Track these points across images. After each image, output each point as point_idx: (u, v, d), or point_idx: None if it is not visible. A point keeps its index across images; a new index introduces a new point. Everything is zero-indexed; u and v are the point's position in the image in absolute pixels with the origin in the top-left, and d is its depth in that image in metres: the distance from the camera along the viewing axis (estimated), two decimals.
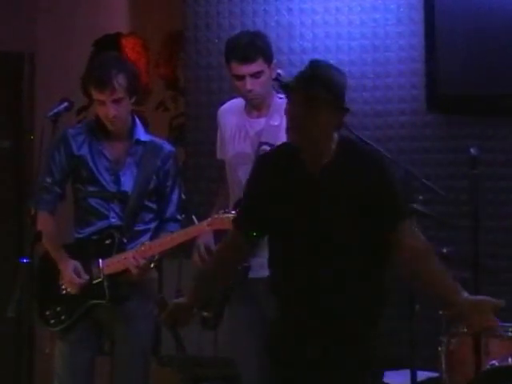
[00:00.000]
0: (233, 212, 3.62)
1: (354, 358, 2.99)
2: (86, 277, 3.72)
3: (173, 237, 3.72)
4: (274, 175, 3.06)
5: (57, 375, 3.82)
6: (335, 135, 3.04)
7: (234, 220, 3.22)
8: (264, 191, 3.06)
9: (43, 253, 3.79)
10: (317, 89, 2.95)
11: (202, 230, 3.70)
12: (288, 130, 3.00)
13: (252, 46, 3.76)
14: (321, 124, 2.97)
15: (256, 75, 3.76)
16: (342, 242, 2.96)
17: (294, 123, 2.98)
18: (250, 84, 3.75)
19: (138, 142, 3.82)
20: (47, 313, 3.78)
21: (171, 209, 3.84)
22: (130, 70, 3.82)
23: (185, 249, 4.05)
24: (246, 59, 3.74)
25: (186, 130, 5.13)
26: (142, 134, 3.84)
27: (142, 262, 3.68)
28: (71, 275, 3.72)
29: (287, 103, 3.03)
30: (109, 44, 5.35)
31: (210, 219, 3.67)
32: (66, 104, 3.64)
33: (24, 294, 3.38)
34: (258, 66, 3.75)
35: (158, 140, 3.90)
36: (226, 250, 3.20)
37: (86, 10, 5.56)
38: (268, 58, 3.79)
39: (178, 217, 3.85)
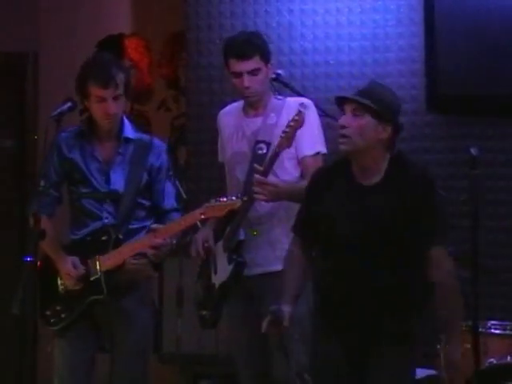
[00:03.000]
0: (224, 199, 3.65)
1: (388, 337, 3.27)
2: (83, 268, 3.74)
3: (168, 227, 3.73)
4: (329, 188, 3.34)
5: (56, 373, 3.85)
6: (387, 155, 3.30)
7: (295, 228, 3.49)
8: (319, 202, 3.34)
9: (42, 254, 3.81)
10: (365, 100, 3.22)
11: (196, 219, 3.70)
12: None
13: (248, 44, 3.81)
14: (363, 134, 3.24)
15: (253, 72, 3.79)
16: (385, 251, 3.25)
17: (342, 131, 3.25)
18: (247, 81, 3.78)
19: (128, 140, 3.84)
20: (48, 312, 3.81)
21: (170, 200, 3.84)
22: (128, 70, 3.90)
23: (185, 248, 4.08)
24: (243, 56, 3.77)
25: (188, 130, 5.16)
26: (130, 132, 3.86)
27: (156, 241, 3.68)
28: (69, 268, 3.74)
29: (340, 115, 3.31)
30: (112, 44, 5.38)
31: (202, 208, 3.68)
32: (69, 104, 3.68)
33: (27, 292, 3.41)
34: (254, 63, 3.78)
35: (146, 137, 3.92)
36: (298, 256, 3.45)
37: (89, 10, 5.59)
38: (265, 57, 3.82)
39: (179, 207, 3.86)
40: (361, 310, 3.27)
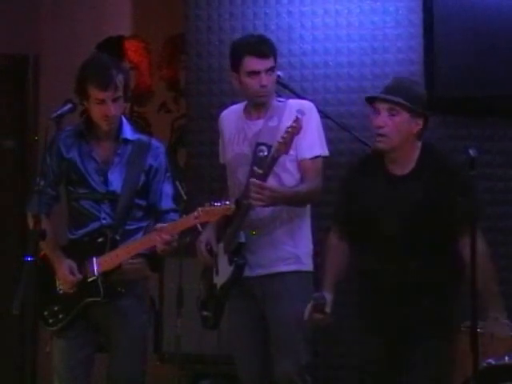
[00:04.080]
0: (217, 204, 3.65)
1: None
2: (80, 275, 3.76)
3: (163, 227, 3.74)
4: (363, 180, 3.49)
5: (56, 372, 3.87)
6: (419, 144, 3.44)
7: (336, 218, 3.63)
8: (354, 193, 3.49)
9: (40, 254, 3.82)
10: (397, 98, 3.36)
11: (190, 223, 3.70)
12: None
13: (266, 43, 3.87)
14: (400, 130, 3.38)
15: (269, 71, 3.82)
16: (415, 235, 3.40)
17: (379, 130, 3.38)
18: (265, 79, 3.80)
19: (126, 141, 3.85)
20: (45, 313, 3.83)
21: (168, 201, 3.85)
22: (127, 71, 3.91)
23: (185, 248, 4.10)
24: (264, 54, 3.81)
25: (187, 131, 5.18)
26: (129, 133, 3.87)
27: (166, 237, 3.68)
28: (65, 273, 3.76)
29: (373, 113, 3.41)
30: (112, 46, 5.40)
31: (196, 212, 3.68)
32: (69, 105, 3.70)
33: (28, 292, 3.43)
34: (271, 62, 3.83)
35: (145, 137, 3.93)
36: (339, 245, 3.57)
37: (90, 13, 5.61)
38: (276, 57, 3.87)
39: (176, 207, 3.86)
40: (400, 296, 3.40)
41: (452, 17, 4.58)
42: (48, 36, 5.64)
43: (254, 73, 3.81)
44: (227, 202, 3.66)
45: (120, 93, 3.76)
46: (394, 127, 3.39)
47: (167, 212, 3.85)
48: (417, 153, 3.45)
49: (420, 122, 3.43)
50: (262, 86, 3.81)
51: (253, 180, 3.68)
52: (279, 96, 4.00)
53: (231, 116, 4.00)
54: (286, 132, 3.67)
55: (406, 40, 4.75)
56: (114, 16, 5.66)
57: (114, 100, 3.75)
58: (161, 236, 3.69)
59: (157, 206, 3.86)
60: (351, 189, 3.56)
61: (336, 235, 3.61)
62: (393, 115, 3.39)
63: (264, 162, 3.74)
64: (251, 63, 3.81)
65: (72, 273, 3.77)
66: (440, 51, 4.60)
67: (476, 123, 4.68)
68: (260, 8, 4.94)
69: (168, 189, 3.88)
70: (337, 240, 3.59)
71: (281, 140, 3.67)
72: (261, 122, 3.88)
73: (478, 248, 3.31)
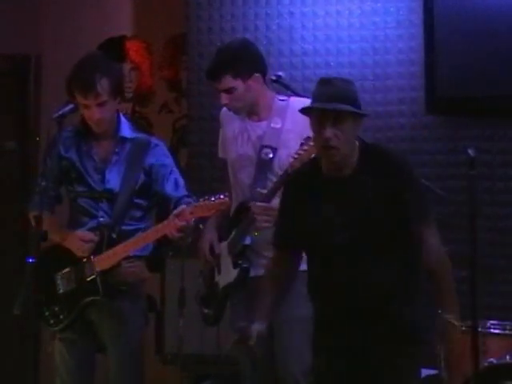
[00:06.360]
0: (212, 199, 3.62)
1: (392, 332, 3.21)
2: (93, 237, 3.74)
3: (161, 225, 3.72)
4: (302, 191, 3.25)
5: (58, 374, 3.88)
6: (357, 142, 3.22)
7: (274, 241, 3.37)
8: (295, 207, 3.26)
9: (40, 253, 3.79)
10: (340, 106, 3.11)
11: (186, 218, 3.64)
12: (320, 148, 3.18)
13: (216, 65, 3.78)
14: (348, 138, 3.15)
15: (228, 91, 3.77)
16: (369, 241, 3.16)
17: (328, 143, 3.13)
18: (223, 98, 3.78)
19: (124, 139, 3.84)
20: (47, 313, 3.83)
21: (180, 190, 3.82)
22: (114, 72, 3.80)
23: (187, 249, 4.11)
24: (212, 78, 3.78)
25: (189, 132, 5.19)
26: (127, 131, 3.85)
27: (179, 223, 3.64)
28: (78, 244, 3.75)
29: (312, 124, 3.18)
30: (113, 47, 5.42)
31: (191, 207, 3.65)
32: (71, 106, 3.71)
33: (29, 292, 3.44)
34: (226, 82, 3.75)
35: (144, 136, 3.92)
36: (278, 271, 3.37)
37: (92, 13, 5.62)
38: (240, 73, 3.75)
39: (188, 194, 3.83)
40: (358, 308, 3.20)
41: (452, 17, 4.59)
42: (49, 36, 5.65)
43: (218, 91, 3.81)
44: (221, 196, 3.64)
45: (104, 97, 3.70)
46: (343, 136, 3.13)
47: (182, 198, 3.79)
48: (356, 152, 3.20)
49: (361, 122, 3.19)
50: (223, 105, 3.82)
51: (258, 204, 3.64)
52: (280, 94, 3.99)
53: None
54: (303, 150, 3.59)
55: (407, 40, 4.76)
56: (115, 16, 5.67)
57: (99, 105, 3.71)
58: (174, 222, 3.63)
59: (170, 195, 3.81)
60: (289, 203, 3.29)
61: (277, 262, 3.37)
62: (338, 124, 3.12)
63: (269, 165, 3.74)
64: (211, 83, 3.84)
65: (84, 239, 3.76)
66: (440, 52, 4.60)
67: (476, 123, 4.69)
68: (261, 8, 4.96)
69: (178, 179, 3.85)
70: (277, 268, 3.37)
71: (296, 156, 3.61)
72: (264, 124, 3.87)
73: (433, 245, 3.21)
